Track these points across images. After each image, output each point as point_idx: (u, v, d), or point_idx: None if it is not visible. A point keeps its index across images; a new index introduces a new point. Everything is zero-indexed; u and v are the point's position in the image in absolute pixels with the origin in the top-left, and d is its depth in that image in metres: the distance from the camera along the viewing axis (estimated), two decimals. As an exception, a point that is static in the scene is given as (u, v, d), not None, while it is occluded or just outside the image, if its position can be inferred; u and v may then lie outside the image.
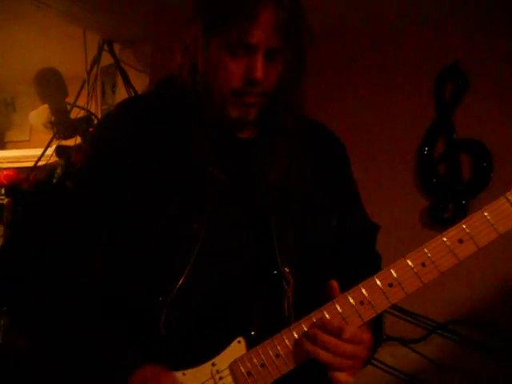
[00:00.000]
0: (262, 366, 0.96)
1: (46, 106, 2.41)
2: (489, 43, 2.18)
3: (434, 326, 2.14)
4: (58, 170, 1.06)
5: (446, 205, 2.26)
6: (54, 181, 1.08)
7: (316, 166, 1.13)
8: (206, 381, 0.97)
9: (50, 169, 1.04)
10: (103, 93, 2.83)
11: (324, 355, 0.92)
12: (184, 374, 0.97)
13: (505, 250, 1.87)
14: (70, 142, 2.49)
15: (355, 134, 2.43)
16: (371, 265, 1.13)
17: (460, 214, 2.21)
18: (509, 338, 1.98)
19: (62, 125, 2.14)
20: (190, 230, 1.00)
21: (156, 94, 1.14)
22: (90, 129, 2.00)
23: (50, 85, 2.09)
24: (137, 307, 1.00)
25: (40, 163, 2.99)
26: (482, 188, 2.18)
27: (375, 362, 2.08)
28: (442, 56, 2.30)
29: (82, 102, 2.72)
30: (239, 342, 0.98)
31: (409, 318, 2.16)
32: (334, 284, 0.97)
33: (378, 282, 0.95)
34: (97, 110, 2.75)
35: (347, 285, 0.97)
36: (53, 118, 2.14)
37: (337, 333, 0.92)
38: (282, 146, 1.07)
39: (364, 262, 1.15)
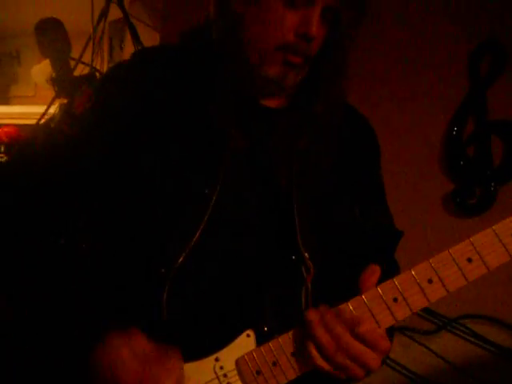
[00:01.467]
0: (275, 364, 0.83)
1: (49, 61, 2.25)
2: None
3: (444, 322, 2.01)
4: (58, 116, 0.93)
5: (473, 190, 2.10)
6: (52, 125, 0.95)
7: (346, 150, 1.01)
8: (208, 378, 0.84)
9: (49, 117, 0.93)
10: (111, 49, 2.67)
11: (326, 340, 0.77)
12: (182, 369, 0.83)
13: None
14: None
15: (380, 110, 2.27)
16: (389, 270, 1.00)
17: (487, 201, 2.07)
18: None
19: (63, 82, 1.99)
20: (201, 195, 0.87)
21: (179, 46, 1.00)
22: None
23: (52, 36, 1.93)
24: (137, 279, 0.88)
25: (43, 121, 2.86)
26: (514, 174, 2.03)
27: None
28: (479, 29, 2.12)
29: (87, 58, 2.56)
30: (248, 335, 0.85)
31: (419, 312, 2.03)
32: (377, 269, 0.82)
33: (416, 277, 0.81)
34: (103, 67, 2.59)
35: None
36: (54, 74, 1.99)
37: (351, 324, 0.78)
38: (314, 122, 0.95)
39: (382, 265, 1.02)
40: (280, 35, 0.88)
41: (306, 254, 0.89)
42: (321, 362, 0.78)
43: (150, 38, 2.13)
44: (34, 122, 2.94)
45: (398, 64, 2.25)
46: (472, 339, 1.97)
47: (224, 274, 0.88)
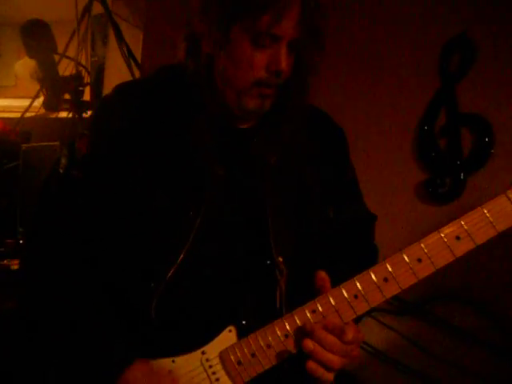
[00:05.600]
0: (253, 355, 0.95)
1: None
2: (500, 14, 2.09)
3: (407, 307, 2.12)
4: (63, 160, 1.06)
5: (444, 180, 2.22)
6: (61, 171, 1.08)
7: (315, 154, 1.11)
8: (196, 369, 0.96)
9: (55, 160, 1.07)
10: (93, 43, 2.70)
11: (324, 355, 0.90)
12: (173, 361, 0.97)
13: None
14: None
15: (356, 103, 2.37)
16: (366, 257, 1.12)
17: (457, 190, 2.19)
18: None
19: (50, 82, 2.04)
20: (186, 218, 0.99)
21: (157, 82, 1.09)
22: (80, 88, 1.91)
23: (37, 39, 1.98)
24: (131, 293, 1.01)
25: (27, 114, 2.90)
26: (482, 164, 2.14)
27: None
28: (449, 25, 2.21)
29: (71, 53, 2.60)
30: (230, 330, 0.97)
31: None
32: (323, 275, 0.95)
33: (373, 277, 0.93)
34: (87, 61, 2.63)
35: (341, 276, 0.95)
36: (40, 75, 2.03)
37: (338, 333, 0.90)
38: (283, 135, 1.05)
39: (359, 254, 1.13)
40: (253, 74, 0.97)
41: (280, 259, 1.00)
42: (320, 371, 0.91)
43: (133, 36, 2.17)
44: (18, 115, 2.99)
45: (373, 60, 2.34)
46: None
47: (208, 282, 1.00)
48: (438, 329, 2.04)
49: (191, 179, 1.01)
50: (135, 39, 2.15)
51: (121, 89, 1.11)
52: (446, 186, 2.21)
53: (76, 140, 1.07)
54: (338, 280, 0.95)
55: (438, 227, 2.26)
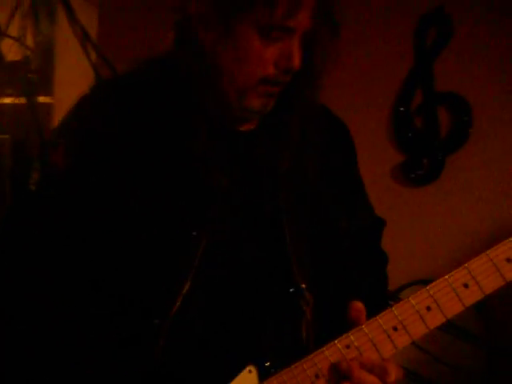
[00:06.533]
0: (280, 399, 0.84)
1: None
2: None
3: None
4: (35, 175, 0.87)
5: (421, 161, 2.17)
6: (33, 188, 0.91)
7: (324, 159, 0.98)
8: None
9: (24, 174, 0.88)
10: (37, 21, 2.41)
11: None
12: (184, 409, 0.84)
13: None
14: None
15: (329, 81, 2.25)
16: (379, 268, 1.06)
17: (435, 171, 2.15)
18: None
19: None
20: (189, 239, 0.85)
21: (144, 78, 0.92)
22: (29, 75, 1.68)
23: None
24: (130, 331, 0.86)
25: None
26: (460, 144, 2.12)
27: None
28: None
29: (12, 31, 2.32)
30: (250, 371, 0.85)
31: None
32: (359, 306, 0.84)
33: (414, 305, 0.83)
34: (30, 41, 2.35)
35: (358, 292, 0.88)
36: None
37: (379, 373, 0.81)
38: (292, 137, 0.93)
39: (372, 266, 1.05)
40: (260, 70, 0.85)
41: (303, 285, 0.89)
42: None
43: (87, 14, 1.94)
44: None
45: (348, 35, 2.21)
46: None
47: (221, 313, 0.87)
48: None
49: (191, 193, 0.87)
50: (89, 16, 1.91)
51: (100, 88, 0.96)
52: (423, 168, 2.17)
53: (49, 151, 0.90)
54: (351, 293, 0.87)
55: (417, 210, 2.22)
